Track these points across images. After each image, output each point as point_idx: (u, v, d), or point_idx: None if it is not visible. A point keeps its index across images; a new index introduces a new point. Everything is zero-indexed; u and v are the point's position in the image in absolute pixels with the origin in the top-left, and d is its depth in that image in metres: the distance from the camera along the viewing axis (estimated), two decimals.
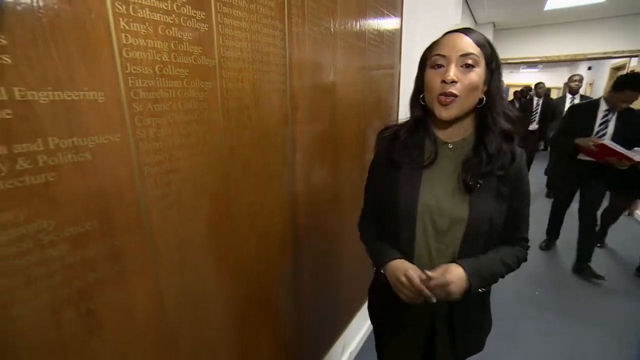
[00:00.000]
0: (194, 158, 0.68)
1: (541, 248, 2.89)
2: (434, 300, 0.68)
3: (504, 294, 2.18)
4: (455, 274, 0.67)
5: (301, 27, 0.94)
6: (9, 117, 0.43)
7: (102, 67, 0.52)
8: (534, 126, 4.50)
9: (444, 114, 0.66)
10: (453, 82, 0.64)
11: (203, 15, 0.65)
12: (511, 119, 0.70)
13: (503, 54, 4.78)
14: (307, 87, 1.01)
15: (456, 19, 2.10)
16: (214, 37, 0.68)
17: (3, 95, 0.42)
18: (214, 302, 0.80)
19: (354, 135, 1.37)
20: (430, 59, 0.68)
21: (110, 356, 0.60)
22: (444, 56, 0.65)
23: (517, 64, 6.48)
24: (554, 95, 9.32)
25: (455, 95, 0.64)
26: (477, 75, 0.65)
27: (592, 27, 4.21)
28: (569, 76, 3.78)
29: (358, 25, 1.25)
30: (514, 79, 10.20)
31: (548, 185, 4.49)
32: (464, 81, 0.64)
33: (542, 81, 4.39)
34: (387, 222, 0.78)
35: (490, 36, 4.50)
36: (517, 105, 6.92)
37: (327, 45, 1.08)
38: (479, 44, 0.65)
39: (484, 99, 0.68)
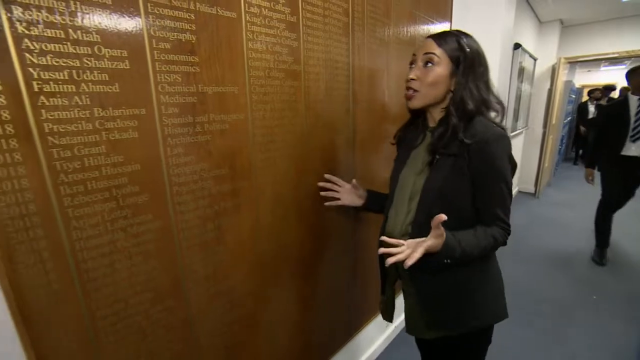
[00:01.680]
0: (284, 135, 0.99)
1: None
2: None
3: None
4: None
5: (361, 39, 1.21)
6: (194, 101, 0.77)
7: (238, 72, 0.84)
8: (632, 149, 2.36)
9: (409, 104, 0.85)
10: (412, 79, 0.81)
11: (295, 36, 0.96)
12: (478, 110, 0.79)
13: (574, 51, 4.47)
14: (365, 86, 1.28)
15: (508, 20, 2.18)
16: (301, 51, 0.98)
17: (194, 89, 0.76)
18: (290, 241, 1.10)
19: None
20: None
21: (226, 258, 0.91)
22: (415, 56, 0.83)
23: (593, 62, 5.95)
24: None
25: (415, 90, 0.81)
26: (436, 72, 0.78)
27: None
28: None
29: (408, 34, 1.48)
30: (594, 79, 9.22)
31: None
32: (423, 78, 0.80)
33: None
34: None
35: (556, 34, 4.28)
36: (592, 109, 5.98)
37: (381, 53, 1.33)
38: (442, 46, 0.78)
39: (452, 92, 0.81)
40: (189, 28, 0.73)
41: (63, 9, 0.56)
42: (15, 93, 0.53)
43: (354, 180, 1.06)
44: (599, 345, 1.74)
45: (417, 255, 0.73)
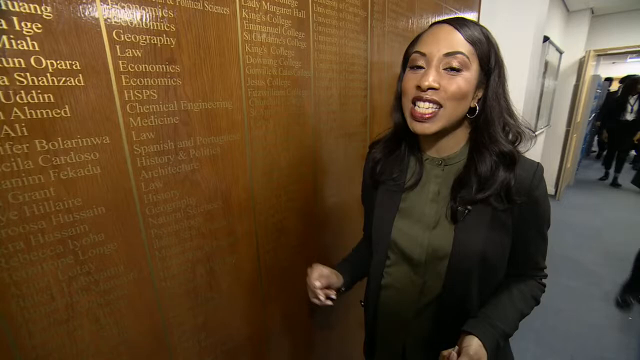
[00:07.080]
0: (291, 153, 0.82)
1: None
2: (329, 303, 0.64)
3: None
4: (473, 348, 0.52)
5: (381, 37, 1.02)
6: (176, 122, 0.60)
7: (232, 82, 0.67)
8: None
9: (417, 127, 0.55)
10: (431, 88, 0.52)
11: (303, 36, 0.78)
12: (517, 132, 0.57)
13: (604, 43, 4.15)
14: (385, 94, 1.09)
15: (542, 8, 1.95)
16: (311, 53, 0.81)
17: (174, 107, 0.59)
18: (295, 277, 0.94)
19: None
20: (410, 57, 0.57)
21: (221, 305, 0.76)
22: (424, 55, 0.53)
23: (619, 54, 5.58)
24: None
25: (437, 104, 0.53)
26: (465, 80, 0.52)
27: None
28: None
29: None
30: (619, 71, 8.72)
31: None
32: (447, 88, 0.52)
33: None
34: (369, 241, 0.70)
35: (586, 24, 3.98)
36: (632, 104, 4.99)
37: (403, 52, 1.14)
38: (471, 40, 0.52)
39: (477, 108, 0.56)
40: (167, 29, 0.56)
41: None
42: None
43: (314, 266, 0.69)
44: None
45: None
